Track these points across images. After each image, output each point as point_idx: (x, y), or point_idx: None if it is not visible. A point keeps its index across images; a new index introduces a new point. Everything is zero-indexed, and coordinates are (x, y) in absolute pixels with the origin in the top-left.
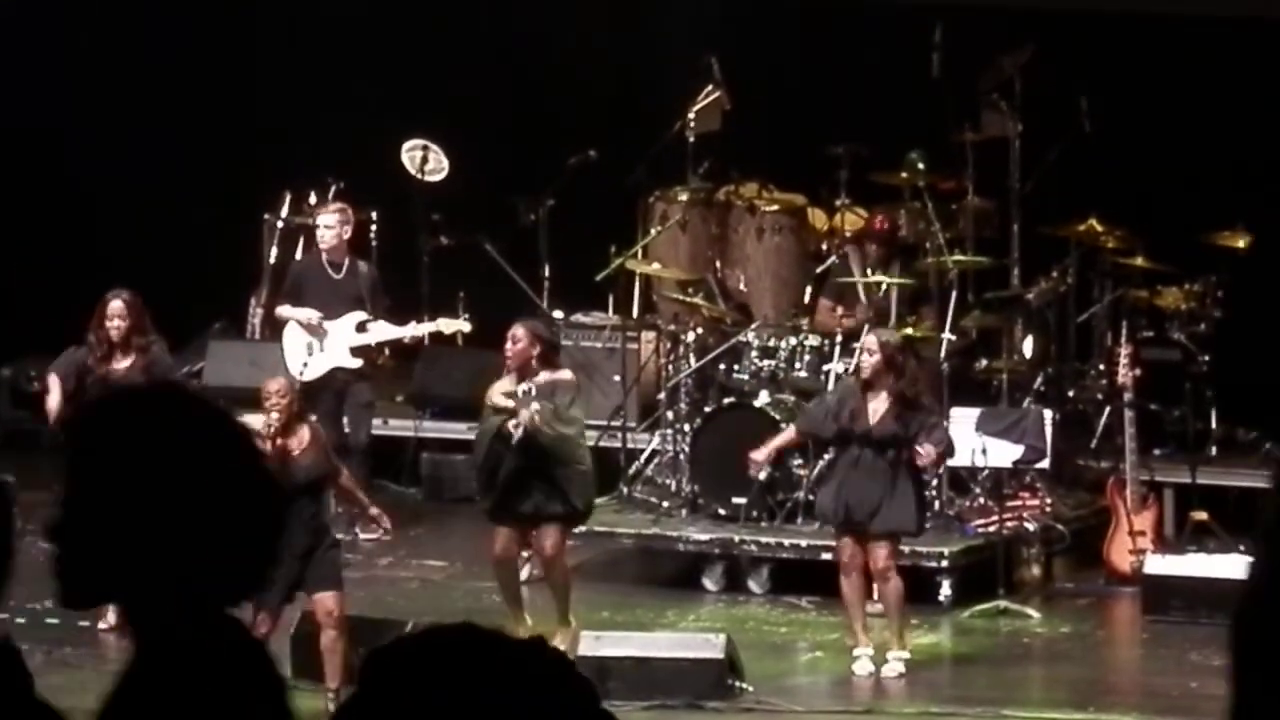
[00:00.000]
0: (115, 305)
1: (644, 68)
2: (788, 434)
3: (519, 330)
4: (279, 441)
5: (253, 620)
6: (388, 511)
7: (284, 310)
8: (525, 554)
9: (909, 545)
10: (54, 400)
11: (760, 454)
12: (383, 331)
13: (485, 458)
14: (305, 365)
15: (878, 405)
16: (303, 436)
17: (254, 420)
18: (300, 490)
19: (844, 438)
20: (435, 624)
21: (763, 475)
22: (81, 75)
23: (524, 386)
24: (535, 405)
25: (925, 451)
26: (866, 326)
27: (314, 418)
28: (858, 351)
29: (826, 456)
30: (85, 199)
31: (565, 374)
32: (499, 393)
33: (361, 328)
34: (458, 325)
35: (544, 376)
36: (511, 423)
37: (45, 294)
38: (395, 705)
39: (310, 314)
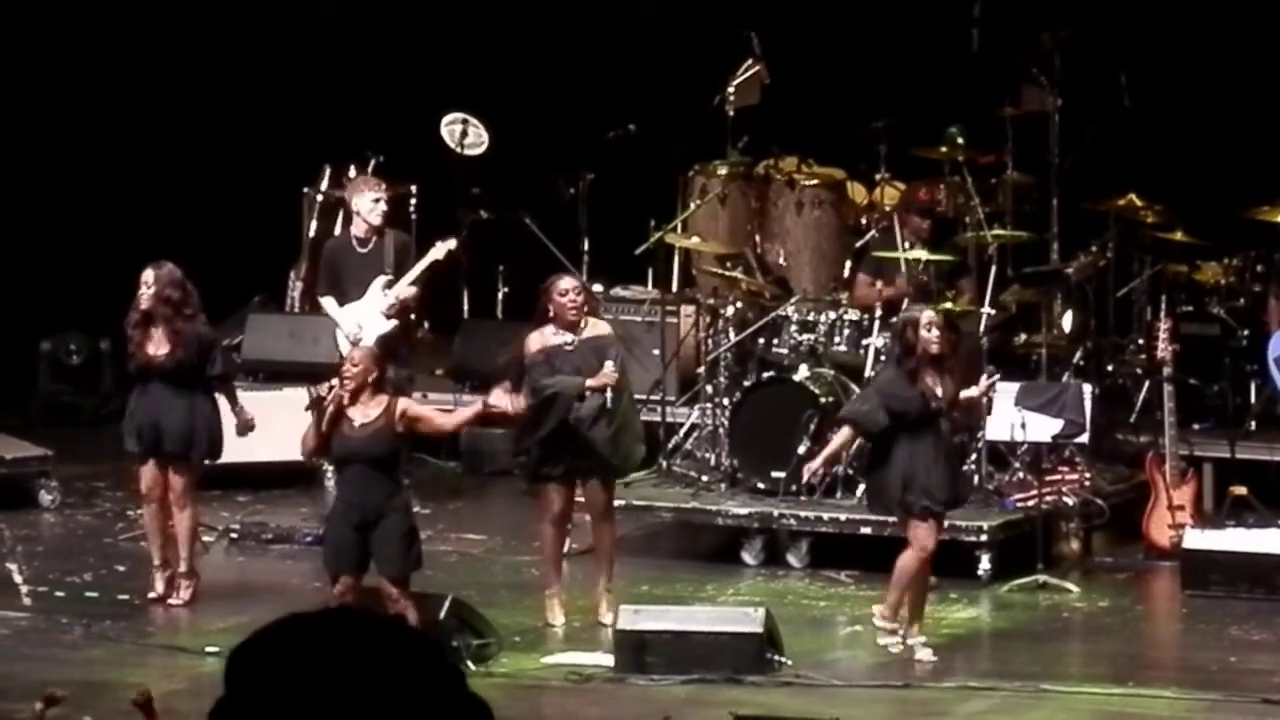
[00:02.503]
0: (146, 274)
1: (684, 41)
2: (841, 437)
3: (573, 283)
4: (339, 408)
5: (331, 590)
6: (427, 486)
7: (326, 304)
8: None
9: (949, 519)
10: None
11: (815, 463)
12: (400, 286)
13: (553, 417)
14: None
15: (936, 380)
16: (370, 411)
17: (293, 393)
18: (355, 460)
19: (904, 422)
20: (293, 613)
21: (807, 476)
22: (125, 49)
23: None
24: (611, 364)
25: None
26: (905, 302)
27: (401, 398)
28: (918, 328)
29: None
30: (126, 173)
31: (605, 326)
32: (553, 346)
33: (386, 288)
34: (445, 246)
35: (588, 328)
36: (598, 381)
37: (85, 269)
38: (261, 698)
39: (347, 324)
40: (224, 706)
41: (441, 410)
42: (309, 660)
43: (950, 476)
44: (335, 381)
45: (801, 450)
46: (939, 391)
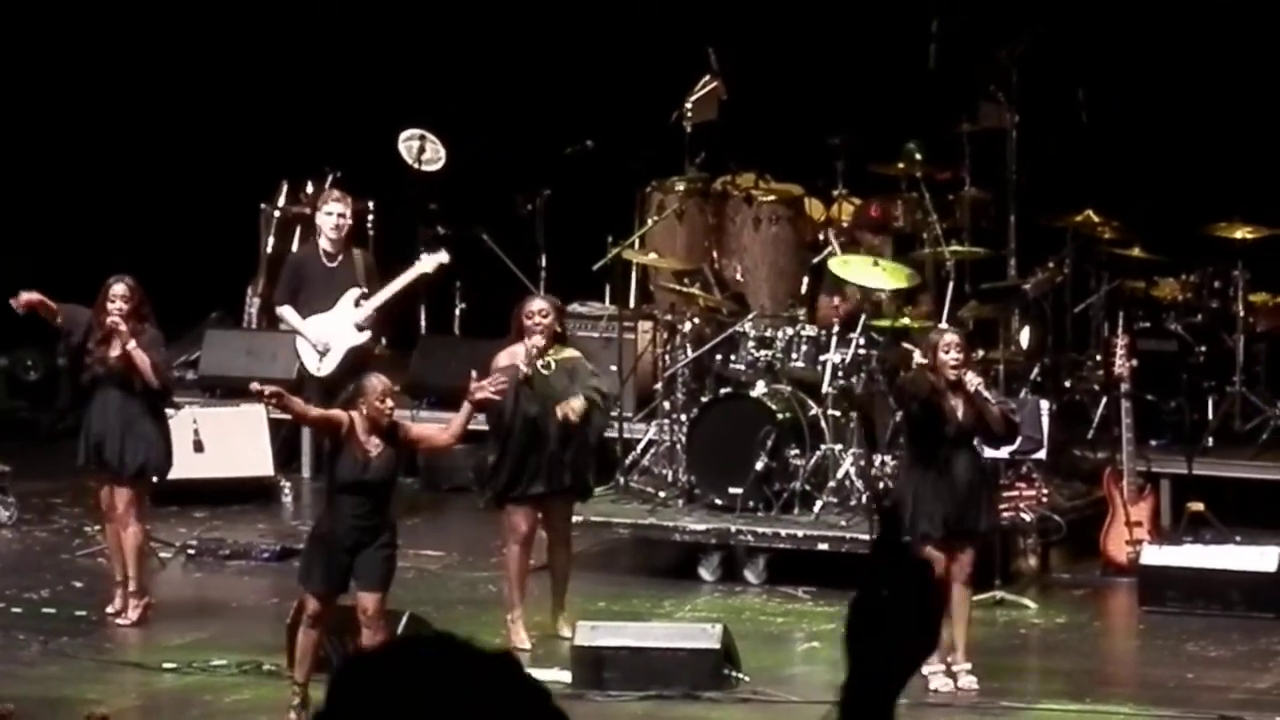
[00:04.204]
0: (118, 288)
1: (641, 57)
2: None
3: (544, 304)
4: (354, 431)
5: (301, 605)
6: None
7: (286, 314)
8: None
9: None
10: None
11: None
12: (379, 296)
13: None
14: (321, 361)
15: (956, 401)
16: (382, 438)
17: (251, 409)
18: (356, 488)
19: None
20: (409, 635)
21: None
22: (77, 65)
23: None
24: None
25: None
26: (863, 317)
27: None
28: (937, 350)
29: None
30: (82, 188)
31: (573, 351)
32: (524, 364)
33: (360, 301)
34: (436, 259)
35: (558, 351)
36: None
37: (41, 284)
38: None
39: (313, 333)
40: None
41: (437, 426)
42: (419, 683)
43: (966, 504)
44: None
45: (759, 466)
46: (960, 414)
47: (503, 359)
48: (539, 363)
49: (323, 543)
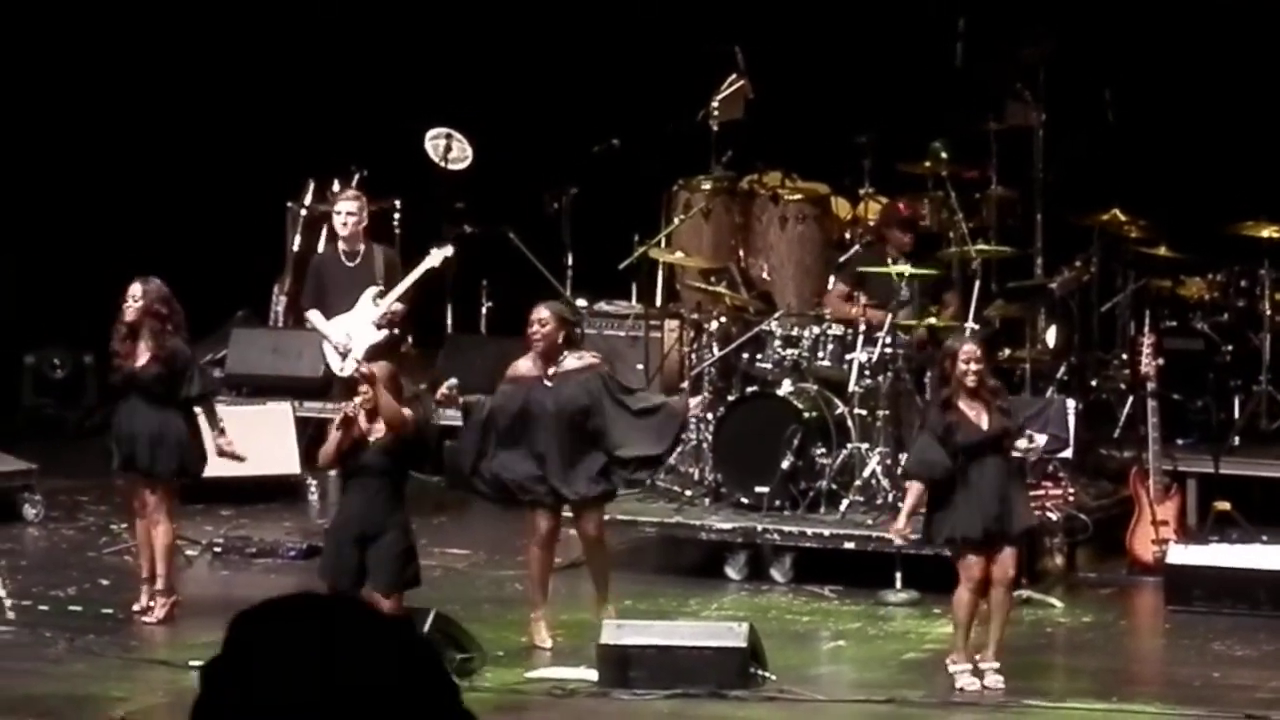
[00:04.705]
0: (134, 287)
1: (669, 56)
2: (915, 491)
3: (544, 312)
4: (362, 426)
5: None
6: (412, 501)
7: (312, 317)
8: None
9: None
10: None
11: (900, 523)
12: (392, 294)
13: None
14: (344, 362)
15: (980, 410)
16: (378, 426)
17: (277, 407)
18: (355, 474)
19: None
20: (304, 592)
21: (899, 541)
22: (109, 64)
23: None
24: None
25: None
26: (889, 319)
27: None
28: (955, 360)
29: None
30: (110, 187)
31: (592, 357)
32: (526, 377)
33: (377, 300)
34: (442, 253)
35: (570, 361)
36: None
37: (69, 283)
38: (259, 666)
39: (334, 334)
40: (218, 666)
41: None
42: (312, 638)
43: (1000, 509)
44: (357, 400)
45: (785, 465)
46: (983, 424)
47: (512, 369)
48: (539, 373)
49: (332, 534)
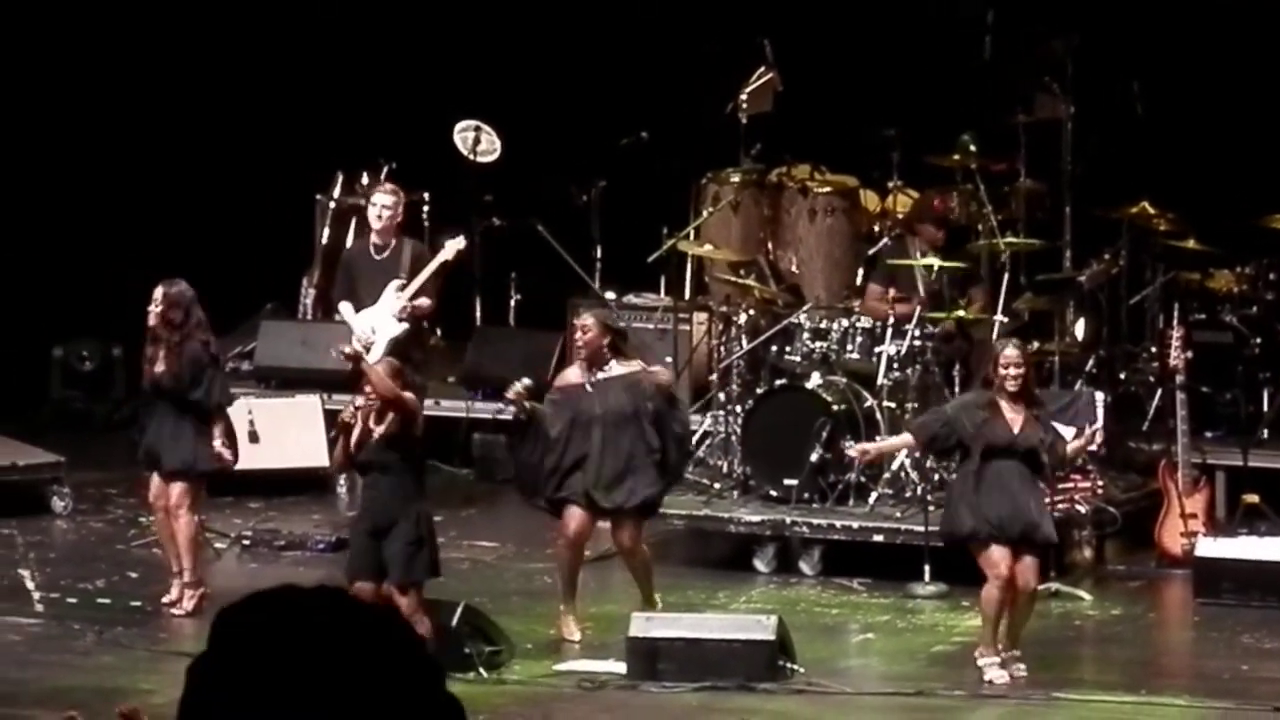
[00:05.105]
0: (156, 291)
1: (697, 49)
2: (903, 439)
3: (587, 319)
4: (365, 427)
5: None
6: (440, 494)
7: (343, 309)
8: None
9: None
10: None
11: (868, 447)
12: (411, 286)
13: (565, 445)
14: (368, 355)
15: (1016, 415)
16: (387, 419)
17: (306, 400)
18: (364, 468)
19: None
20: (288, 584)
21: (852, 454)
22: (138, 56)
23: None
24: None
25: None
26: (917, 313)
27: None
28: (997, 365)
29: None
30: (139, 180)
31: (638, 364)
32: (570, 385)
33: (400, 291)
34: (455, 245)
35: (615, 367)
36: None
37: (98, 275)
38: (244, 662)
39: (359, 326)
40: (203, 664)
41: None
42: (295, 632)
43: (1022, 512)
44: (359, 400)
45: (814, 458)
46: (1016, 428)
47: (560, 377)
48: (583, 381)
49: (351, 529)
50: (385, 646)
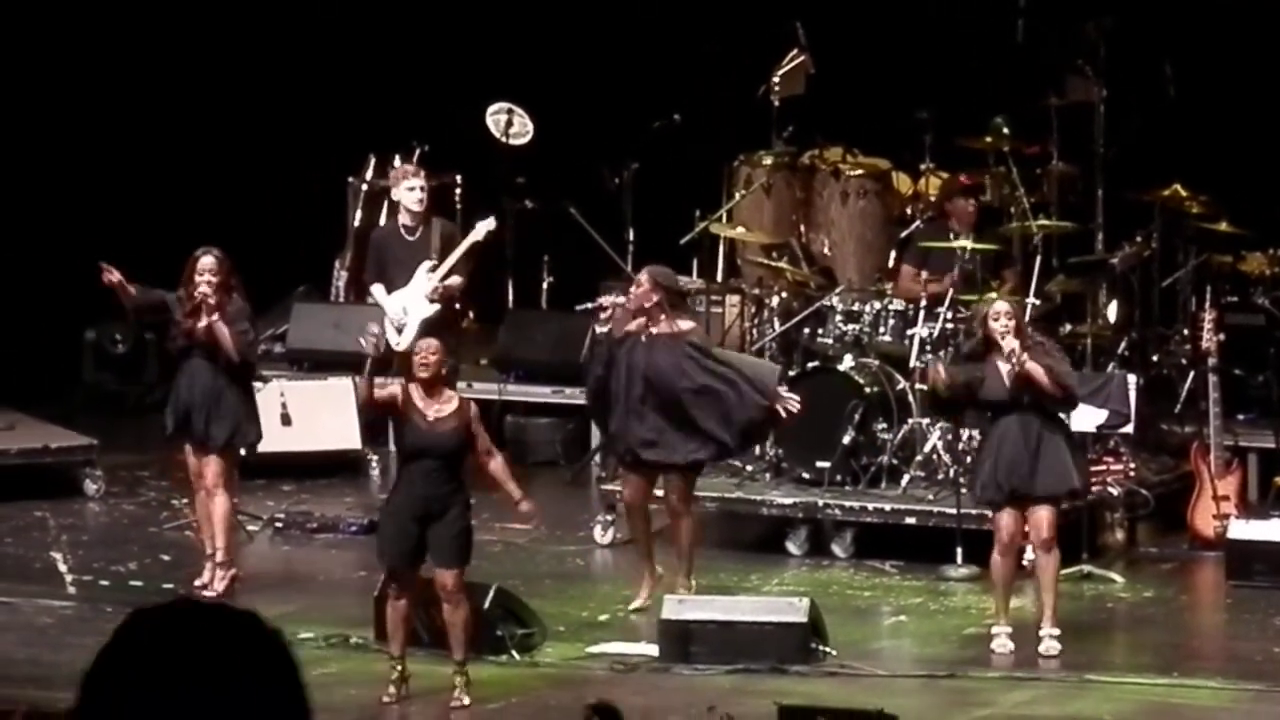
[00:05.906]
0: (206, 260)
1: (729, 31)
2: (942, 366)
3: (642, 275)
4: (406, 393)
5: (383, 589)
6: (471, 477)
7: (375, 292)
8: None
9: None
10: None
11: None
12: (443, 268)
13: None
14: (400, 336)
15: (1012, 370)
16: (444, 407)
17: (338, 383)
18: (419, 454)
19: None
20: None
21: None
22: (171, 38)
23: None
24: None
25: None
26: (951, 293)
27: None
28: (986, 320)
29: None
30: (172, 162)
31: (687, 323)
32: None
33: (432, 272)
34: (485, 226)
35: (664, 325)
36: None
37: (130, 258)
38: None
39: (391, 308)
40: (92, 675)
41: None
42: (164, 647)
43: (1027, 466)
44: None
45: (846, 440)
46: (1006, 377)
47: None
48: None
49: (390, 515)
50: (248, 657)
